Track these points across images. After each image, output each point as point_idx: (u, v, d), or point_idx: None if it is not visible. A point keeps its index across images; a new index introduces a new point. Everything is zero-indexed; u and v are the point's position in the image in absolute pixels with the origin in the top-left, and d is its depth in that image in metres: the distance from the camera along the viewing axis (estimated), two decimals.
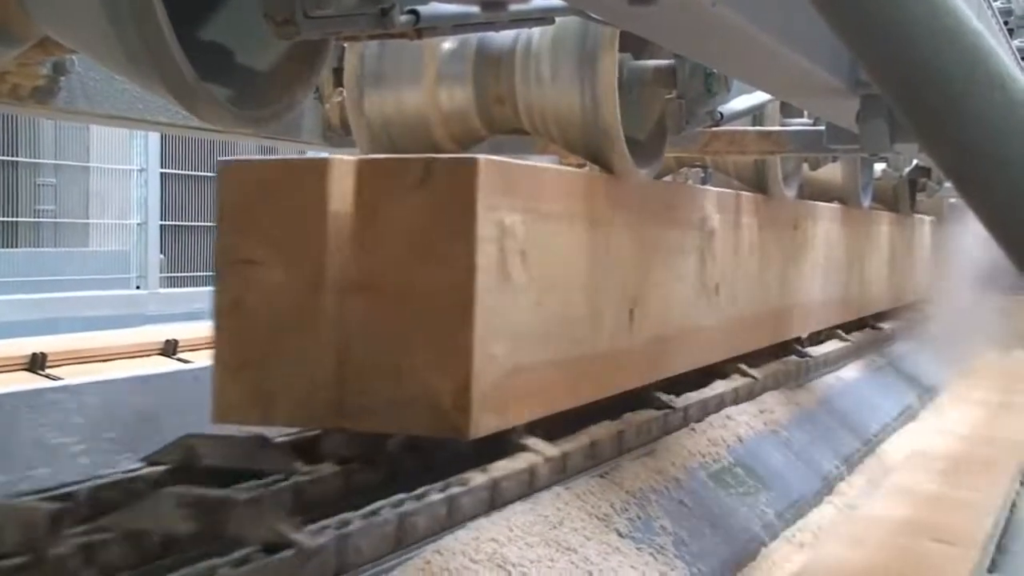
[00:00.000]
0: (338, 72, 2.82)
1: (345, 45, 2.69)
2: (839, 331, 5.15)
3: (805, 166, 4.44)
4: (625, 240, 2.66)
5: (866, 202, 5.41)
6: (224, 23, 1.56)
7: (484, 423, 2.01)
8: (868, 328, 5.78)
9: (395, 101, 2.68)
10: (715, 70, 2.68)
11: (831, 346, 4.96)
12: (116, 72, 1.46)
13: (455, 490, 2.05)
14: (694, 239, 3.16)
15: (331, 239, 2.03)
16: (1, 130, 10.84)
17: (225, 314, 2.09)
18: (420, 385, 1.97)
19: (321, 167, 2.06)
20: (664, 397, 3.04)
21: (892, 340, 5.99)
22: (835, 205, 5.01)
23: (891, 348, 5.86)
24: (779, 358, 4.22)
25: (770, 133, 3.54)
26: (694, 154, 3.70)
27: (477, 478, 2.12)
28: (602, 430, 2.65)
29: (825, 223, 4.77)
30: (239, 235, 2.09)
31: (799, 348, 4.42)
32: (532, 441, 2.30)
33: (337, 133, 3.01)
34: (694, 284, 3.16)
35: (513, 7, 1.65)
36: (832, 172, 4.98)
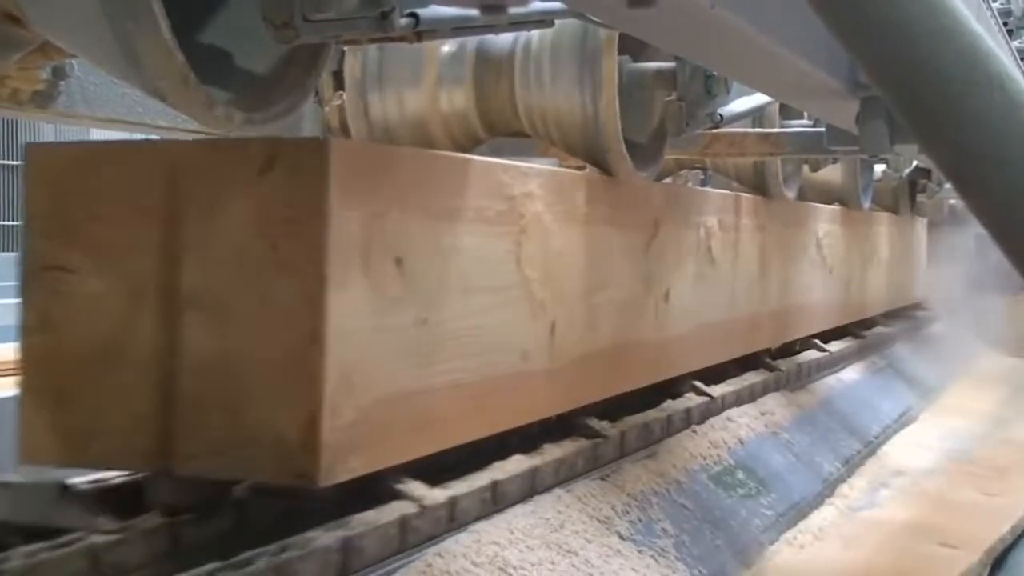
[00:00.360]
0: (338, 75, 2.82)
1: (345, 49, 2.70)
2: (816, 340, 4.72)
3: (805, 168, 4.44)
4: (549, 243, 2.30)
5: (866, 204, 5.41)
6: (223, 26, 1.56)
7: (341, 466, 1.66)
8: (851, 337, 5.34)
9: (395, 104, 2.69)
10: (715, 72, 2.69)
11: (807, 357, 4.52)
12: (115, 76, 1.46)
13: (290, 555, 1.65)
14: (639, 243, 2.78)
15: (159, 242, 1.69)
16: (1, 134, 10.85)
17: (32, 333, 1.73)
18: (262, 421, 1.63)
19: (145, 152, 1.74)
20: (596, 424, 2.62)
21: (876, 349, 5.58)
22: (827, 206, 4.90)
23: (877, 357, 5.48)
24: (746, 371, 3.81)
25: (770, 135, 3.54)
26: (694, 156, 3.71)
27: (322, 539, 1.73)
28: (511, 466, 2.24)
29: (812, 224, 4.53)
30: (49, 236, 1.74)
31: (768, 360, 3.99)
32: (411, 486, 1.93)
33: (337, 136, 3.01)
34: (639, 292, 2.78)
35: (512, 10, 1.66)
36: (832, 174, 4.98)
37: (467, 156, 2.14)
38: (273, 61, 1.63)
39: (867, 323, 5.69)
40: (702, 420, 3.21)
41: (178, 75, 1.38)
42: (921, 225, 7.14)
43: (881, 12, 0.85)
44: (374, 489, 1.88)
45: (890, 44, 0.86)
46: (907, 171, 5.65)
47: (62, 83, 2.15)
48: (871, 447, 4.19)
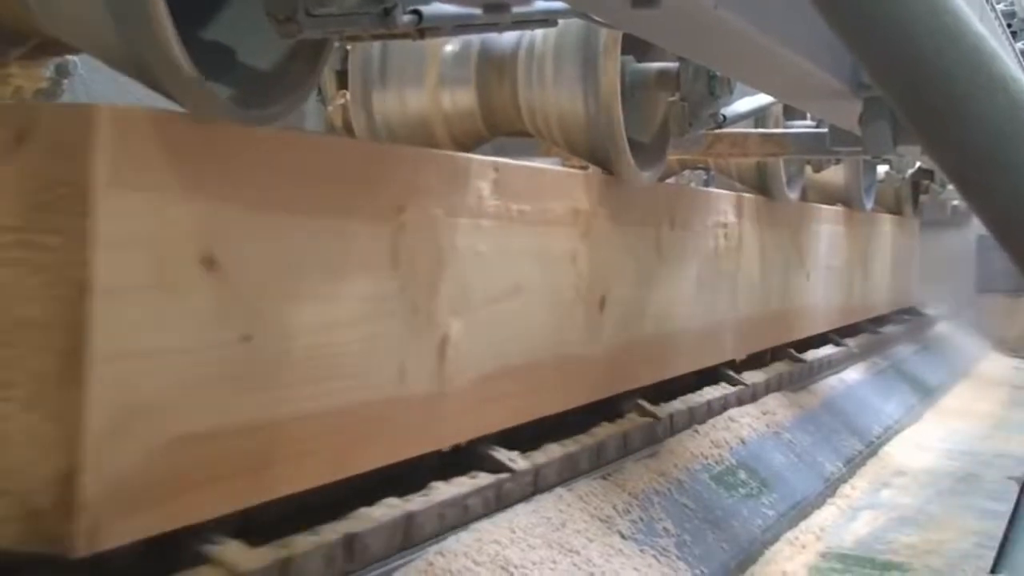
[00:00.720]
0: (341, 74, 2.83)
1: (348, 48, 2.70)
2: (791, 350, 4.33)
3: (808, 168, 4.45)
4: (442, 242, 1.92)
5: (869, 205, 5.40)
6: (226, 22, 1.56)
7: (112, 529, 1.30)
8: (831, 344, 4.95)
9: (398, 103, 2.69)
10: (718, 72, 2.69)
11: (779, 369, 4.06)
12: (118, 71, 1.46)
13: None
14: (568, 242, 2.39)
15: None
16: None
17: None
18: (5, 472, 1.28)
19: None
20: (502, 455, 2.20)
21: (853, 360, 5.12)
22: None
23: (854, 369, 5.07)
24: (705, 386, 3.40)
25: (773, 135, 3.54)
26: (697, 156, 3.71)
27: None
28: (378, 513, 1.82)
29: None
30: None
31: (731, 374, 3.58)
32: (227, 547, 1.52)
33: (340, 135, 3.01)
34: (567, 300, 2.40)
35: (515, 9, 1.66)
36: (835, 175, 4.98)
37: (322, 136, 1.69)
38: (276, 57, 1.63)
39: (854, 328, 5.38)
40: (645, 445, 2.79)
41: (181, 71, 1.38)
42: (916, 226, 7.10)
43: (884, 12, 0.85)
44: (182, 551, 1.48)
45: (893, 45, 0.86)
46: (910, 172, 5.66)
47: (65, 81, 2.15)
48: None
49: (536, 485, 2.27)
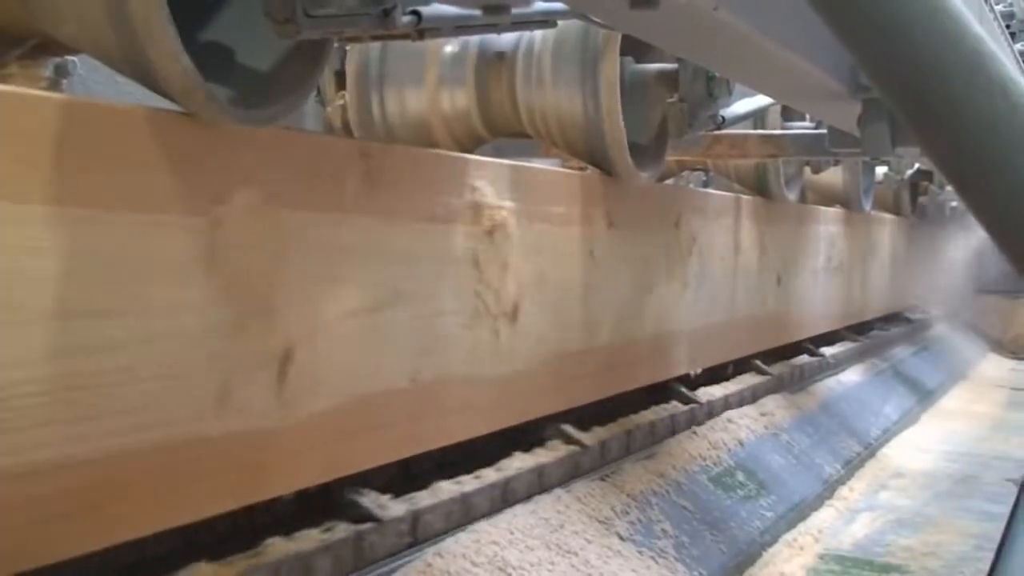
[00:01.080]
0: (340, 75, 2.83)
1: (347, 48, 2.70)
2: (758, 361, 3.94)
3: (807, 170, 4.45)
4: (290, 235, 1.58)
5: (868, 206, 5.40)
6: (226, 23, 1.56)
7: None
8: (807, 354, 4.58)
9: (397, 104, 2.69)
10: (717, 74, 2.69)
11: (740, 384, 3.72)
12: (118, 71, 1.47)
13: None
14: (467, 241, 2.04)
15: None
16: None
17: None
18: None
19: None
20: (369, 500, 1.84)
21: (827, 375, 4.72)
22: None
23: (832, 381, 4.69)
24: (655, 405, 3.04)
25: (771, 137, 3.54)
26: (696, 157, 3.71)
27: None
28: (218, 571, 1.51)
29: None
30: None
31: (684, 391, 3.20)
32: None
33: (339, 135, 3.01)
34: (465, 310, 2.03)
35: (515, 10, 1.66)
36: (834, 176, 4.98)
37: (95, 102, 1.31)
38: (275, 58, 1.63)
39: (831, 337, 5.01)
40: (568, 479, 2.41)
41: (181, 72, 1.38)
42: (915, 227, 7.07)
43: (882, 13, 0.85)
44: None
45: (891, 46, 0.86)
46: (909, 173, 5.67)
47: (64, 81, 2.15)
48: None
49: (415, 535, 1.89)
